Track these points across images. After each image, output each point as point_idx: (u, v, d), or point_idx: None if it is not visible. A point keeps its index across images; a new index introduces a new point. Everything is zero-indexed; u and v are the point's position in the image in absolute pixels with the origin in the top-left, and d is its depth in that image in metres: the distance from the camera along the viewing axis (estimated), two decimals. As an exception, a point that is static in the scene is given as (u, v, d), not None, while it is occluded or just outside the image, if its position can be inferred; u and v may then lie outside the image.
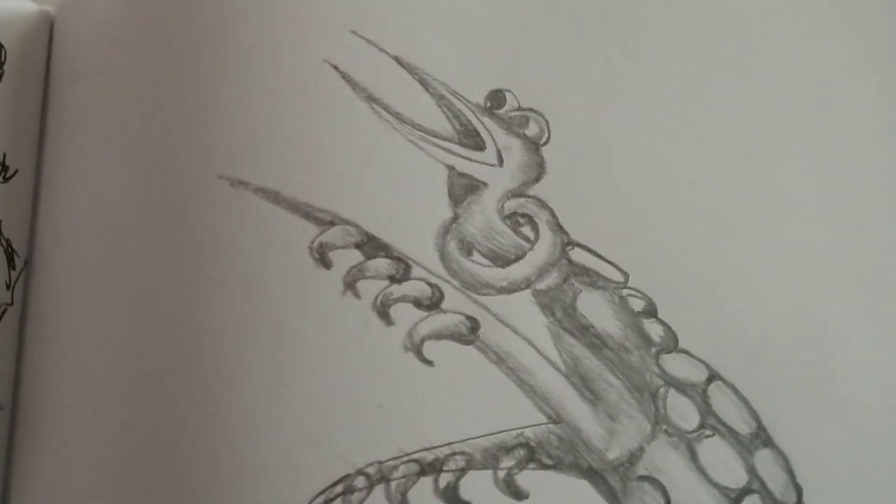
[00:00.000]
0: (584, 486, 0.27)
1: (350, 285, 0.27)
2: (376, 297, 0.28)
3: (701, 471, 0.28)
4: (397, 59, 0.30)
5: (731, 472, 0.28)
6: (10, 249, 0.29)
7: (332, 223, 0.28)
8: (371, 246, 0.28)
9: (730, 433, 0.29)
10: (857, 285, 0.31)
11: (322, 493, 0.25)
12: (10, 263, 0.29)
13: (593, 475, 0.27)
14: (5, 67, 0.31)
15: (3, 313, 0.29)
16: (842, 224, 0.31)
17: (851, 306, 0.30)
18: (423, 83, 0.30)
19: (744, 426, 0.29)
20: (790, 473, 0.28)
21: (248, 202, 0.28)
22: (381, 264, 0.28)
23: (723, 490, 0.28)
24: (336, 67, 0.29)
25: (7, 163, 0.30)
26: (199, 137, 0.28)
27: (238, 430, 0.25)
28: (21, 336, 0.29)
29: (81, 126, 0.30)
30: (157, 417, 0.26)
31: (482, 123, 0.30)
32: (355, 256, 0.28)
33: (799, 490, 0.28)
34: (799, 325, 0.30)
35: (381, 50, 0.30)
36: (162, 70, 0.29)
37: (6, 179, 0.30)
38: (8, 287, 0.29)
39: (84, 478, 0.26)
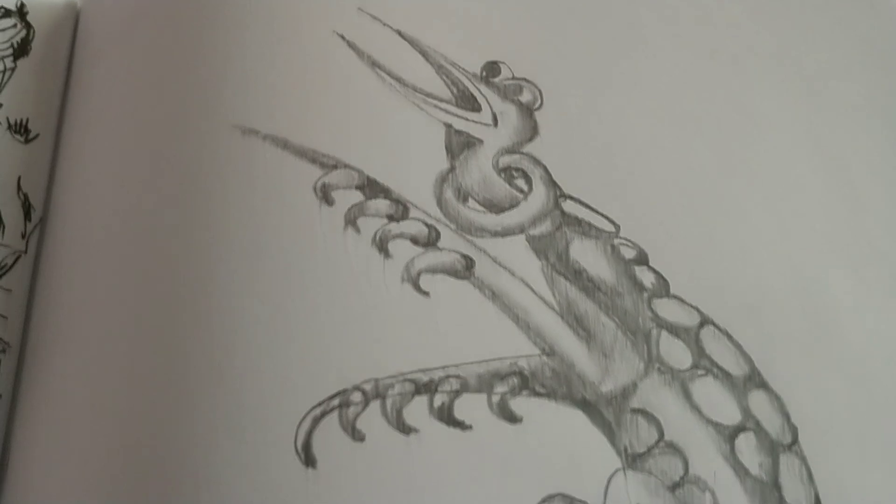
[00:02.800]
0: (578, 416, 0.27)
1: (351, 221, 0.29)
2: (375, 233, 0.29)
3: (695, 408, 0.28)
4: (399, 33, 0.32)
5: (725, 411, 0.28)
6: (27, 203, 0.31)
7: (335, 167, 0.29)
8: (372, 189, 0.29)
9: (723, 374, 0.29)
10: (851, 251, 0.32)
11: (319, 405, 0.26)
12: (27, 216, 0.31)
13: (587, 406, 0.28)
14: (33, 45, 0.33)
15: (17, 259, 0.30)
16: (834, 196, 0.33)
17: (845, 270, 0.31)
18: (424, 54, 0.32)
19: (737, 369, 0.29)
20: (785, 415, 0.28)
21: (258, 148, 0.29)
22: (381, 204, 0.29)
23: (717, 427, 0.28)
24: (343, 37, 0.32)
25: (30, 126, 0.32)
26: (215, 92, 0.30)
27: (244, 350, 0.26)
28: (33, 282, 0.30)
29: (101, 94, 0.33)
30: (163, 346, 0.27)
31: (478, 90, 0.32)
32: (356, 197, 0.29)
33: (794, 430, 0.28)
34: (793, 283, 0.31)
35: (384, 24, 0.32)
36: (180, 38, 0.32)
37: (27, 141, 0.32)
38: (23, 237, 0.30)
39: (90, 406, 0.27)
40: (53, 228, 0.31)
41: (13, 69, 0.32)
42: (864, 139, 0.33)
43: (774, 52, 0.34)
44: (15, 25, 0.33)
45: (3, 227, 0.30)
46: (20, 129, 0.32)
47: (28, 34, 0.33)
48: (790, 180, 0.32)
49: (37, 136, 0.32)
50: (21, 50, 0.33)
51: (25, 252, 0.30)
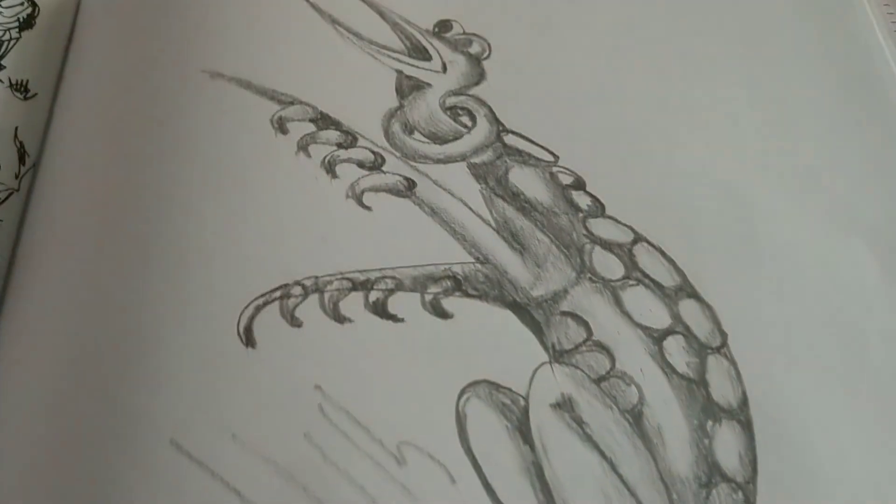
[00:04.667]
0: (508, 315, 0.29)
1: (303, 147, 0.31)
2: (325, 158, 0.31)
3: (625, 314, 0.30)
4: (358, -6, 0.36)
5: (655, 316, 0.30)
6: (22, 150, 0.34)
7: (292, 104, 0.32)
8: (324, 121, 0.32)
9: (655, 285, 0.30)
10: (782, 176, 0.33)
11: (262, 295, 0.28)
12: (21, 160, 0.34)
13: (517, 308, 0.29)
14: (38, 20, 0.37)
15: (9, 195, 0.33)
16: (767, 127, 0.34)
17: (776, 192, 0.33)
18: (381, 14, 0.36)
19: (669, 280, 0.31)
20: (716, 322, 0.30)
21: (224, 88, 0.33)
22: (331, 134, 0.32)
23: (646, 329, 0.29)
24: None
25: (29, 87, 0.36)
26: (189, 43, 0.34)
27: (200, 247, 0.29)
28: (22, 215, 0.33)
29: (94, 59, 0.36)
30: (132, 250, 0.30)
31: (430, 43, 0.35)
32: (309, 128, 0.32)
33: (724, 335, 0.29)
34: (725, 204, 0.32)
35: (344, -14, 0.36)
36: (162, 3, 0.35)
37: (26, 98, 0.36)
38: (16, 177, 0.34)
39: (65, 304, 0.29)
40: (44, 172, 0.34)
41: (18, 38, 0.36)
42: (799, 80, 0.35)
43: (716, 4, 0.37)
44: (22, 3, 0.37)
45: (0, 167, 0.33)
46: (20, 88, 0.35)
47: (34, 11, 0.37)
48: (725, 114, 0.34)
49: (35, 94, 0.36)
50: (26, 24, 0.37)
51: (18, 190, 0.33)
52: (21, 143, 0.34)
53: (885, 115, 0.36)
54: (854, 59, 0.37)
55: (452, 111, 0.33)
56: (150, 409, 0.26)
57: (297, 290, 0.28)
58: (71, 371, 0.27)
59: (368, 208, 0.30)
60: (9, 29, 0.37)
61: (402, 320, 0.28)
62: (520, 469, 0.26)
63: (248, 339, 0.27)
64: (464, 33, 0.35)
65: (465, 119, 0.33)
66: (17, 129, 0.34)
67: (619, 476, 0.26)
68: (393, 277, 0.29)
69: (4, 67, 0.36)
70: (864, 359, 0.29)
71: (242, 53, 0.33)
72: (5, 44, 0.36)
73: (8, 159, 0.34)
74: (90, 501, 0.25)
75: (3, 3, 0.37)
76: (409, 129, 0.33)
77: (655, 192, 0.32)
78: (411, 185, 0.31)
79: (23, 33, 0.37)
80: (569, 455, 0.26)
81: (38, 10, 0.37)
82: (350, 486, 0.25)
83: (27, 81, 0.36)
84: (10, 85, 0.35)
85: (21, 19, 0.37)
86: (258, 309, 0.27)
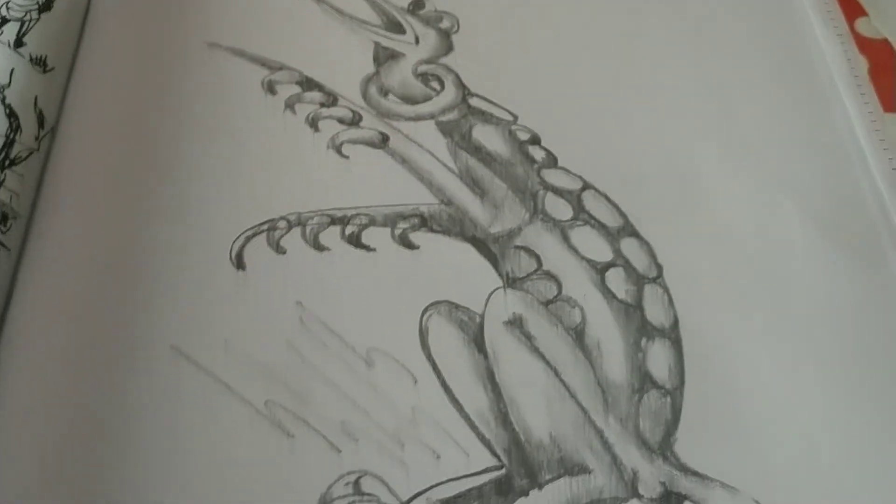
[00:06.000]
0: (468, 248, 0.33)
1: (290, 106, 0.36)
2: (308, 115, 0.36)
3: (572, 248, 0.34)
4: (341, -25, 0.40)
5: (599, 252, 0.34)
6: (41, 116, 0.39)
7: (280, 69, 0.37)
8: (308, 84, 0.37)
9: (599, 225, 0.34)
10: (718, 138, 0.37)
11: (251, 228, 0.32)
12: (41, 125, 0.38)
13: (477, 242, 0.33)
14: (55, 3, 0.42)
15: (30, 154, 0.38)
16: (707, 98, 0.38)
17: (712, 151, 0.37)
18: (360, -8, 0.40)
19: (612, 221, 0.35)
20: (652, 256, 0.34)
21: (220, 57, 0.37)
22: (315, 95, 0.36)
23: (590, 262, 0.33)
24: (294, -20, 0.40)
25: (48, 62, 0.40)
26: (190, 18, 0.38)
27: (200, 189, 0.33)
28: (42, 172, 0.38)
29: (107, 37, 0.41)
30: (137, 194, 0.34)
31: (405, 19, 0.40)
32: (296, 90, 0.36)
33: (660, 268, 0.34)
34: (667, 161, 0.36)
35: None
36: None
37: (45, 72, 0.40)
38: (36, 139, 0.38)
39: (83, 245, 0.34)
40: (61, 134, 0.39)
41: (37, 19, 0.41)
42: (739, 59, 0.39)
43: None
44: (41, -11, 0.41)
45: (21, 131, 0.38)
46: (39, 63, 0.40)
47: (52, -5, 0.41)
48: (669, 86, 0.38)
49: (53, 69, 0.40)
50: (45, 6, 0.41)
51: (38, 150, 0.38)
52: (40, 110, 0.39)
53: (816, 91, 0.40)
54: (789, 41, 0.41)
55: (423, 77, 0.38)
56: (154, 320, 0.30)
57: (282, 224, 0.32)
58: (89, 287, 0.31)
59: (346, 157, 0.34)
60: (29, 10, 0.41)
61: (373, 250, 0.32)
62: (474, 373, 0.30)
63: (239, 263, 0.31)
64: (436, 11, 0.40)
65: (435, 84, 0.37)
66: (36, 98, 0.39)
67: (562, 381, 0.30)
68: (367, 215, 0.33)
69: (26, 44, 0.40)
70: (786, 301, 0.33)
71: (237, 26, 0.38)
72: (27, 24, 0.41)
73: (29, 124, 0.38)
74: (100, 399, 0.29)
75: (24, -11, 0.42)
76: (385, 92, 0.37)
77: (604, 149, 0.36)
78: (385, 138, 0.35)
79: (42, 15, 0.41)
80: (517, 363, 0.30)
81: (56, -6, 0.42)
82: (325, 383, 0.29)
83: (46, 57, 0.40)
84: (31, 60, 0.40)
85: (40, 2, 0.41)
86: (248, 239, 0.32)
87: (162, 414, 0.28)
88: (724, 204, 0.35)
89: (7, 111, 0.37)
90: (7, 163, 0.36)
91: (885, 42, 0.44)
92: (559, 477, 0.28)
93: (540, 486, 0.28)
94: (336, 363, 0.29)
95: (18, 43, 0.39)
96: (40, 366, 0.30)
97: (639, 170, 0.36)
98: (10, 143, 0.37)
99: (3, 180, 0.35)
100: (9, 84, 0.37)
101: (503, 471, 0.28)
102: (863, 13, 0.44)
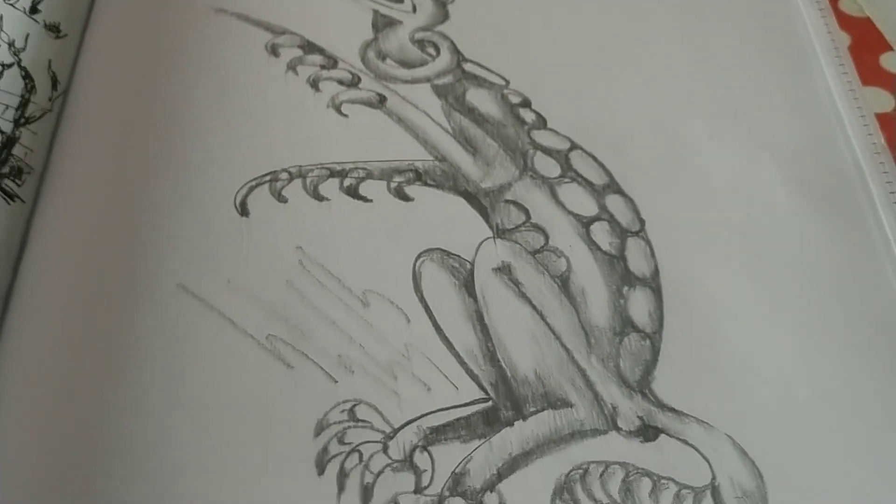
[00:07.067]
0: (460, 201, 0.35)
1: (292, 68, 0.38)
2: (310, 76, 0.38)
3: (559, 203, 0.36)
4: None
5: (585, 207, 0.36)
6: (54, 78, 0.41)
7: (283, 33, 0.39)
8: (310, 48, 0.39)
9: (586, 182, 0.36)
10: (706, 105, 0.39)
11: (254, 179, 0.34)
12: (54, 87, 0.40)
13: (468, 195, 0.35)
14: (68, -24, 0.44)
15: (43, 114, 0.40)
16: (698, 67, 0.40)
17: (698, 116, 0.39)
18: (361, -35, 0.42)
19: (598, 179, 0.36)
20: (635, 212, 0.36)
21: (225, 22, 0.39)
22: (316, 58, 0.38)
23: (576, 216, 0.35)
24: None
25: (61, 28, 0.42)
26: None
27: (206, 142, 0.35)
28: (55, 130, 0.40)
29: (115, 5, 0.43)
30: (147, 148, 0.36)
31: (402, -11, 0.42)
32: (298, 53, 0.38)
33: (642, 222, 0.35)
34: (653, 123, 0.38)
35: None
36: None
37: (58, 38, 0.42)
38: (49, 100, 0.40)
39: (96, 195, 0.35)
40: (73, 95, 0.41)
41: (51, -11, 0.43)
42: (727, 30, 0.41)
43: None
44: (55, -41, 0.43)
45: (36, 91, 0.40)
46: (53, 29, 0.42)
47: (65, -35, 0.43)
48: (657, 54, 0.40)
49: (66, 35, 0.42)
50: (58, -24, 0.43)
51: (51, 110, 0.39)
52: (54, 72, 0.41)
53: (799, 63, 0.41)
54: (774, 16, 0.43)
55: (420, 43, 0.39)
56: (162, 261, 0.32)
57: (284, 175, 0.34)
58: (100, 233, 0.33)
59: (346, 116, 0.36)
60: (44, -21, 0.43)
61: (370, 201, 0.34)
62: (464, 315, 0.32)
63: (243, 210, 0.33)
64: (433, -19, 0.42)
65: (431, 50, 0.39)
66: (50, 61, 0.41)
67: (547, 324, 0.32)
68: (364, 168, 0.35)
69: (40, 11, 0.42)
70: (764, 252, 0.35)
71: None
72: (42, -8, 0.43)
73: (43, 85, 0.40)
74: (112, 334, 0.31)
75: (38, -40, 0.43)
76: (382, 56, 0.39)
77: (593, 112, 0.38)
78: (382, 99, 0.37)
79: (56, -16, 0.43)
80: (505, 306, 0.32)
81: (68, -34, 0.44)
82: (323, 320, 0.31)
83: (59, 24, 0.42)
84: (45, 26, 0.42)
85: (54, -27, 0.43)
86: (251, 189, 0.34)
87: (170, 346, 0.30)
88: (707, 162, 0.37)
89: (23, 73, 0.39)
90: (22, 121, 0.38)
91: (868, 20, 0.45)
92: (543, 410, 0.30)
93: (524, 418, 0.30)
94: (333, 302, 0.31)
95: (33, 10, 0.41)
96: (56, 305, 0.32)
97: (626, 132, 0.38)
98: (25, 102, 0.38)
99: (19, 137, 0.37)
100: (24, 48, 0.39)
101: (490, 403, 0.30)
102: (847, -8, 0.46)
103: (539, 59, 0.39)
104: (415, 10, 0.40)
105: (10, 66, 0.39)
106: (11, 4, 0.40)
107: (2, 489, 0.28)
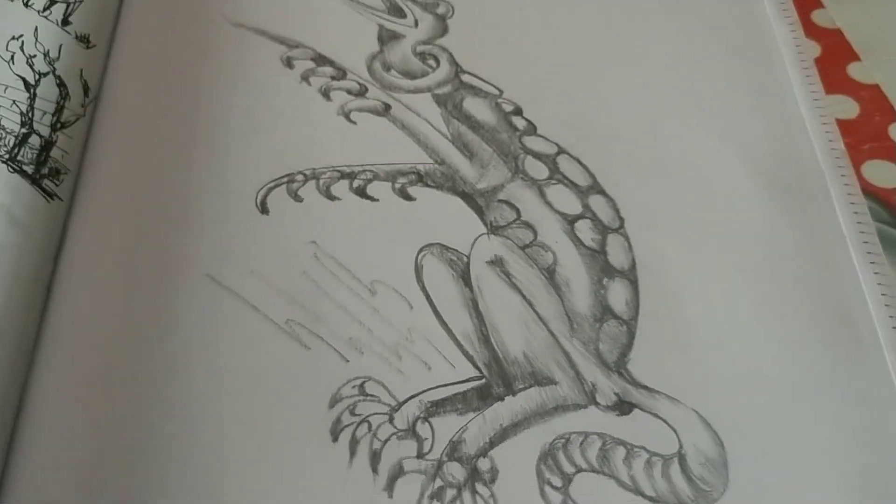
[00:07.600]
0: (457, 201, 0.39)
1: (305, 78, 0.41)
2: (321, 86, 0.41)
3: (547, 203, 0.39)
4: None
5: (570, 206, 0.39)
6: (86, 86, 0.44)
7: (297, 47, 0.43)
8: (322, 60, 0.42)
9: (571, 184, 0.40)
10: (685, 107, 0.43)
11: (273, 180, 0.38)
12: (86, 94, 0.44)
13: (465, 196, 0.39)
14: (95, -12, 0.47)
15: (77, 119, 0.43)
16: (676, 77, 0.44)
17: (678, 119, 0.42)
18: (367, -18, 0.46)
19: (583, 181, 0.40)
20: (616, 211, 0.39)
21: (244, 36, 0.43)
22: (327, 70, 0.42)
23: (562, 215, 0.39)
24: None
25: (90, 39, 0.46)
26: (215, 2, 0.44)
27: (227, 146, 0.38)
28: (88, 134, 0.44)
29: (140, 18, 0.47)
30: (175, 149, 0.39)
31: (405, 5, 0.45)
32: (310, 65, 0.42)
33: (622, 220, 0.39)
34: (633, 131, 0.42)
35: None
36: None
37: (88, 48, 0.46)
38: (82, 106, 0.44)
39: (127, 188, 0.39)
40: (103, 101, 0.44)
41: (81, 1, 0.47)
42: (703, 38, 0.45)
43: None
44: (83, -25, 0.47)
45: (70, 98, 0.44)
46: (84, 40, 0.45)
47: (93, -19, 0.47)
48: (638, 65, 0.44)
49: (95, 45, 0.46)
50: (88, -10, 0.47)
51: (84, 115, 0.43)
52: (85, 80, 0.44)
53: (768, 70, 0.45)
54: (746, 26, 0.47)
55: (421, 56, 0.43)
56: (191, 255, 0.35)
57: (300, 177, 0.38)
58: (134, 228, 0.37)
59: (354, 123, 0.40)
60: (75, -7, 0.47)
61: (377, 200, 0.38)
62: (461, 303, 0.36)
63: (264, 208, 0.37)
64: (433, -1, 0.45)
65: (431, 62, 0.43)
66: (81, 70, 0.45)
67: (535, 311, 0.36)
68: (371, 171, 0.39)
69: (72, 23, 0.46)
70: (731, 243, 0.38)
71: (260, 9, 0.44)
72: (72, 5, 0.47)
73: (76, 93, 0.44)
74: (147, 320, 0.34)
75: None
76: (387, 68, 0.43)
77: (579, 119, 0.42)
78: (387, 107, 0.41)
79: (85, -3, 0.47)
80: (498, 296, 0.36)
81: (96, -22, 0.47)
82: (335, 306, 0.35)
83: (89, 35, 0.46)
84: (76, 37, 0.46)
85: (83, -13, 0.47)
86: (270, 189, 0.37)
87: (199, 330, 0.34)
88: (681, 165, 0.41)
89: (58, 81, 0.43)
90: (58, 126, 0.42)
91: (839, 31, 0.49)
92: (530, 387, 0.34)
93: (514, 393, 0.34)
94: (345, 291, 0.35)
95: (65, 22, 0.45)
96: (93, 293, 0.35)
97: (608, 138, 0.41)
98: (60, 108, 0.42)
99: (56, 140, 0.41)
100: (58, 58, 0.43)
101: (483, 381, 0.34)
102: (819, 5, 0.50)
103: (530, 71, 0.43)
104: (417, 24, 0.44)
105: (46, 74, 0.43)
106: (45, 17, 0.44)
107: (39, 458, 0.32)
